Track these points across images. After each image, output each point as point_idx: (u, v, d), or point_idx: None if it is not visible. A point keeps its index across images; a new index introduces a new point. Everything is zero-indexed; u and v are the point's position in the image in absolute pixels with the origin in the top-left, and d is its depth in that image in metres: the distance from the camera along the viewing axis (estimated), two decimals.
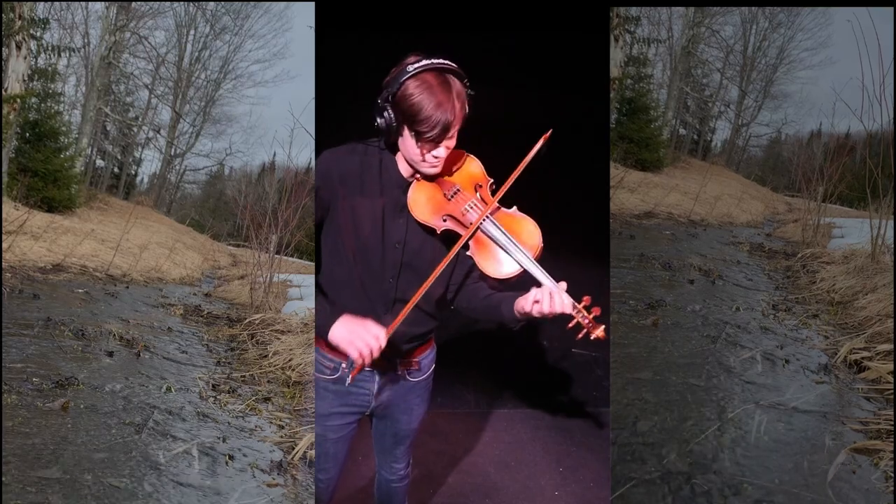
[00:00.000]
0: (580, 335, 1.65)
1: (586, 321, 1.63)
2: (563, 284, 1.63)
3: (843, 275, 5.43)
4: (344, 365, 1.88)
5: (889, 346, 3.61)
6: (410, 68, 1.62)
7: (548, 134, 1.71)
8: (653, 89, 13.77)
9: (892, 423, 2.76)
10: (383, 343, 1.65)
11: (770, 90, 18.82)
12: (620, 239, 6.99)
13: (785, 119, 18.94)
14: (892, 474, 2.37)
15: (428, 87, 1.61)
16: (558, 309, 1.60)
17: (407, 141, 1.67)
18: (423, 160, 1.68)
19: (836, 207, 10.14)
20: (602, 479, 3.10)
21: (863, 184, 6.32)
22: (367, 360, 1.65)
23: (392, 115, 1.64)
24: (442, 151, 1.67)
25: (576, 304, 1.63)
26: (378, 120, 1.67)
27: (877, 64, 5.53)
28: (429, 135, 1.62)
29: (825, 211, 8.67)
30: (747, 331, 4.17)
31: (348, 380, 1.77)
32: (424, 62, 1.63)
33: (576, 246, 3.37)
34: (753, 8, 17.37)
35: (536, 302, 1.61)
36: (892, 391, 3.14)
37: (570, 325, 1.65)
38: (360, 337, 1.65)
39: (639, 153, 12.06)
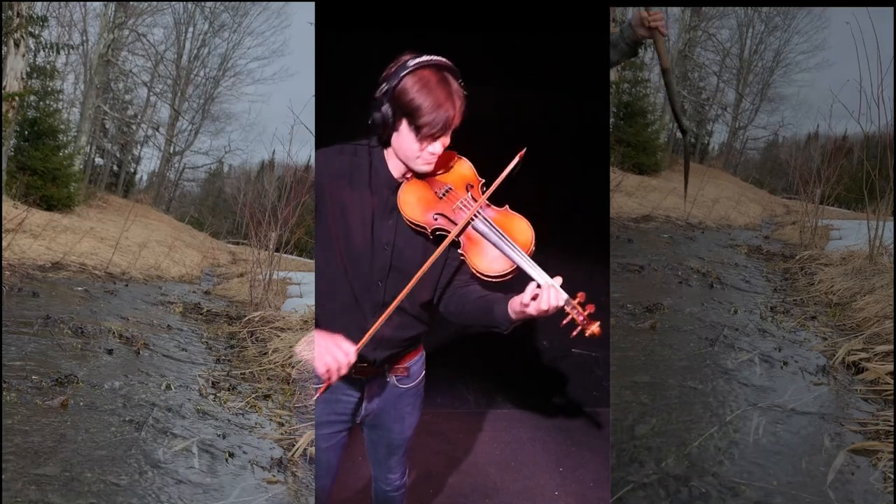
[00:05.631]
0: (574, 332, 1.59)
1: (581, 318, 1.57)
2: (559, 279, 1.60)
3: (841, 276, 5.44)
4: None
5: (887, 347, 3.62)
6: (410, 63, 1.62)
7: (522, 152, 1.68)
8: (650, 93, 13.80)
9: (891, 423, 2.77)
10: (353, 358, 1.65)
11: (767, 93, 18.92)
12: (618, 242, 7.00)
13: (782, 121, 19.06)
14: (892, 475, 2.38)
15: (428, 82, 1.62)
16: (553, 303, 1.56)
17: (403, 137, 1.66)
18: (419, 157, 1.67)
19: (833, 209, 10.16)
20: (602, 479, 3.10)
21: (860, 185, 6.33)
22: (335, 377, 1.65)
23: (390, 111, 1.64)
24: (439, 147, 1.66)
25: (570, 299, 1.59)
26: (375, 115, 1.65)
27: (874, 66, 5.55)
28: (430, 129, 1.62)
29: (823, 213, 8.69)
30: (745, 333, 4.18)
31: (316, 395, 1.75)
32: (424, 58, 1.63)
33: (575, 249, 3.38)
34: (749, 11, 17.44)
35: (534, 298, 1.57)
36: (890, 392, 3.15)
37: (564, 321, 1.59)
38: (328, 352, 1.65)
39: (636, 157, 12.09)
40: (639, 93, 13.06)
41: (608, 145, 4.25)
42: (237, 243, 13.97)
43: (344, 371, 1.65)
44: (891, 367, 3.35)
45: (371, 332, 1.68)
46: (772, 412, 2.95)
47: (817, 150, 12.75)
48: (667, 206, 9.90)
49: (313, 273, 1.84)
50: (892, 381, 3.24)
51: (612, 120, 12.15)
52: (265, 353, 4.61)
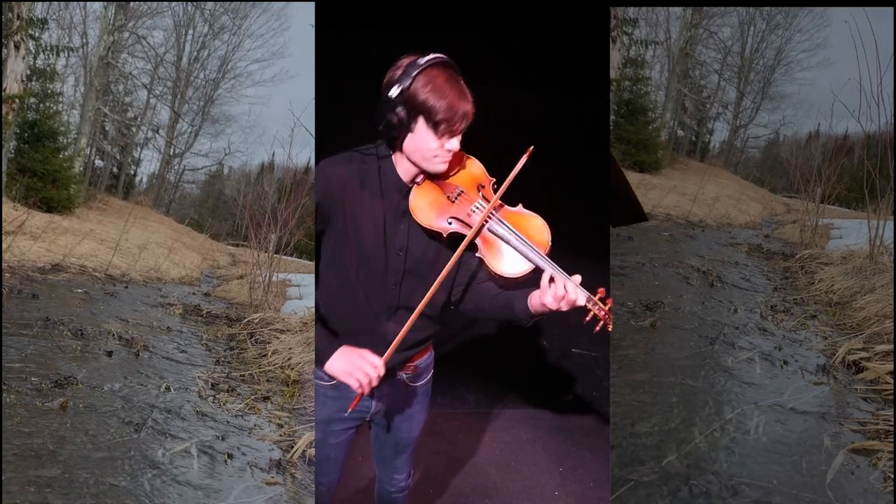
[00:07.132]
0: (597, 328, 1.63)
1: (602, 313, 1.61)
2: (578, 278, 1.62)
3: (841, 275, 5.43)
4: None
5: (887, 347, 3.62)
6: (421, 62, 1.61)
7: (531, 150, 1.67)
8: (650, 91, 13.82)
9: (891, 423, 2.77)
10: (382, 372, 1.67)
11: (768, 91, 18.91)
12: (618, 241, 6.99)
13: (783, 120, 19.06)
14: (891, 475, 2.38)
15: (442, 79, 1.61)
16: (574, 300, 1.59)
17: (419, 136, 1.64)
18: (437, 155, 1.65)
19: (834, 208, 10.17)
20: (602, 479, 3.10)
21: (861, 185, 6.33)
22: (367, 390, 1.67)
23: (405, 112, 1.62)
24: (456, 143, 1.65)
25: (591, 296, 1.61)
26: (389, 118, 1.63)
27: (874, 65, 5.55)
28: (450, 125, 1.61)
29: (823, 212, 8.69)
30: (745, 332, 4.17)
31: (348, 410, 1.77)
32: (432, 56, 1.63)
33: (575, 247, 3.38)
34: (751, 10, 17.43)
35: (555, 295, 1.59)
36: (890, 391, 3.15)
37: (588, 318, 1.62)
38: (358, 367, 1.66)
39: (637, 155, 12.08)
40: (639, 90, 13.06)
41: (608, 145, 4.25)
42: (237, 245, 13.97)
43: (375, 384, 1.67)
44: (891, 367, 3.35)
45: (396, 342, 1.69)
46: (772, 411, 2.95)
47: (818, 148, 12.75)
48: (667, 204, 9.89)
49: (313, 275, 1.84)
50: (892, 381, 3.24)
51: (612, 118, 12.15)
52: (265, 355, 4.61)
